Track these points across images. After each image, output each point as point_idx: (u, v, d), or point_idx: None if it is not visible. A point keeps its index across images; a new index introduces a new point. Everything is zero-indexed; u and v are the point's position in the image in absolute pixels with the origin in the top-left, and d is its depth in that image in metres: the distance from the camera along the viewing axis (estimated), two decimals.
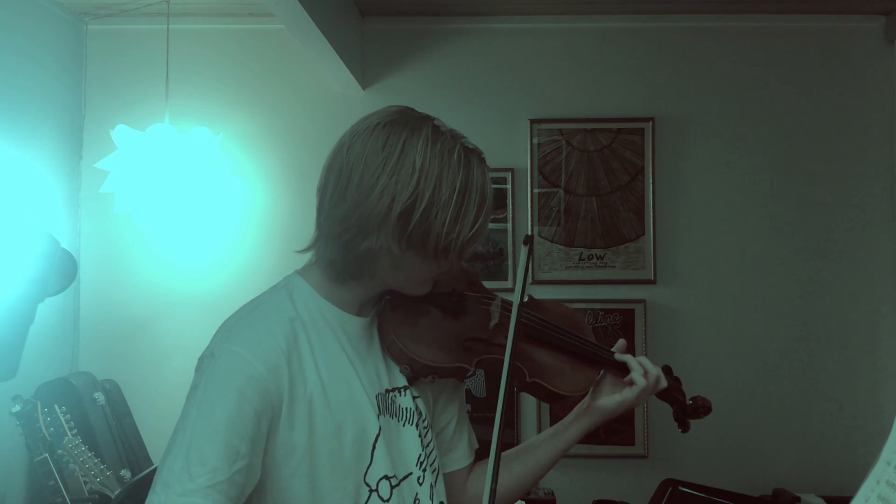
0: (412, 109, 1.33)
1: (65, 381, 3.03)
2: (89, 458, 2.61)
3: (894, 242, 3.38)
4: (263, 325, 1.27)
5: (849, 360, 3.37)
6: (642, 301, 3.38)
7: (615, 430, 3.26)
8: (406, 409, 1.38)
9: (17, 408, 2.57)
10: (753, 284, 3.40)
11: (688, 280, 3.41)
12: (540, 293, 3.12)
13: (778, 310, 3.39)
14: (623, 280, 3.39)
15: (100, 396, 3.06)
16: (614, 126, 3.41)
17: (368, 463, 1.30)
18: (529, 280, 1.17)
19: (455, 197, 1.24)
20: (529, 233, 3.40)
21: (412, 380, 1.40)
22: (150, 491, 1.19)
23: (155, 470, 1.22)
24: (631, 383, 1.47)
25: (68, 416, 2.71)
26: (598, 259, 3.41)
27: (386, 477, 1.32)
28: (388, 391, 1.36)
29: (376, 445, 1.31)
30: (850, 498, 1.16)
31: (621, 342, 1.54)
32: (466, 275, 1.47)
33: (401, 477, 1.34)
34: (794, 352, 3.38)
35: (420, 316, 1.39)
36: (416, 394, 1.41)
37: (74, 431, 2.67)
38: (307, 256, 1.40)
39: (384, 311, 1.38)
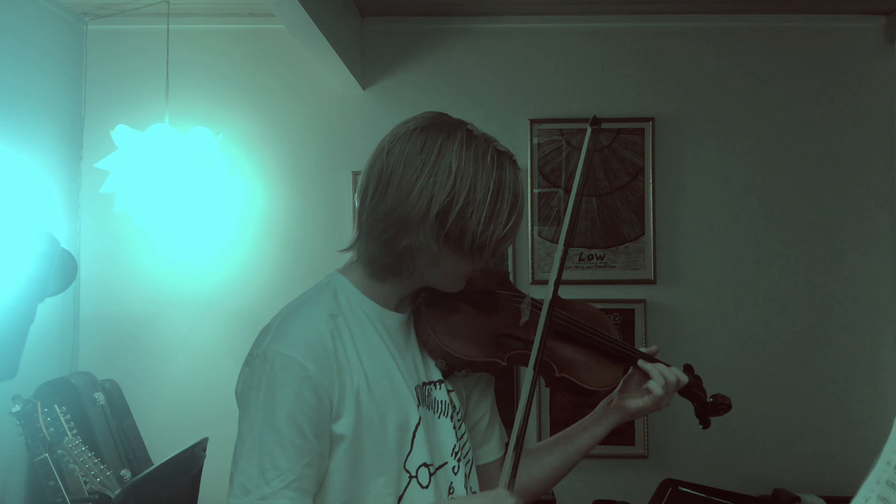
0: (446, 115, 1.41)
1: (65, 381, 3.03)
2: (89, 458, 2.61)
3: (895, 242, 3.38)
4: (309, 323, 1.34)
5: (849, 359, 3.37)
6: (642, 301, 3.38)
7: (615, 430, 3.24)
8: (441, 401, 1.45)
9: (17, 408, 2.57)
10: (753, 284, 3.40)
11: (688, 280, 3.41)
12: (540, 293, 3.12)
13: (778, 310, 3.39)
14: (623, 280, 3.39)
15: (100, 396, 3.06)
16: (614, 126, 3.41)
17: (409, 450, 1.37)
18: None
19: (489, 197, 1.32)
20: (529, 234, 3.40)
21: (447, 373, 1.48)
22: (230, 494, 1.29)
23: (154, 469, 1.25)
24: (648, 391, 1.55)
25: (68, 416, 2.71)
26: (598, 259, 3.41)
27: (425, 464, 1.39)
28: (424, 384, 1.43)
29: (416, 434, 1.38)
30: (850, 498, 1.16)
31: (654, 348, 1.63)
32: (497, 275, 1.55)
33: (437, 465, 1.41)
34: (794, 351, 3.38)
35: (454, 312, 1.46)
36: (450, 388, 1.48)
37: (74, 431, 2.67)
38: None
39: (420, 308, 1.45)
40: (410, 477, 1.37)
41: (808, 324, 3.39)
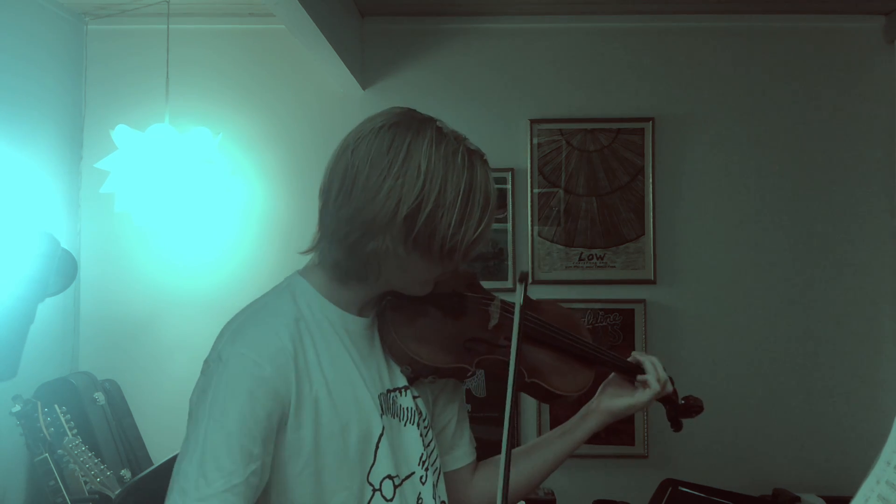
0: (415, 111, 1.34)
1: (65, 381, 3.03)
2: (89, 458, 2.61)
3: (894, 242, 3.38)
4: (269, 326, 1.28)
5: (849, 359, 3.37)
6: (642, 301, 3.38)
7: (615, 430, 3.26)
8: (407, 408, 1.39)
9: (17, 408, 2.57)
10: (753, 284, 3.40)
11: (688, 280, 3.41)
12: (540, 293, 3.12)
13: (778, 309, 3.39)
14: (623, 280, 3.39)
15: (100, 396, 3.06)
16: (614, 126, 3.41)
17: (372, 462, 1.31)
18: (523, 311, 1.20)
19: (460, 199, 1.26)
20: (529, 234, 3.40)
21: (413, 380, 1.41)
22: (167, 497, 1.21)
23: (154, 470, 1.23)
24: (645, 384, 1.50)
25: (68, 416, 2.71)
26: (598, 259, 3.40)
27: (389, 476, 1.32)
28: (389, 391, 1.37)
29: (380, 445, 1.32)
30: (850, 498, 1.16)
31: (635, 357, 1.56)
32: (465, 276, 1.48)
33: (403, 476, 1.35)
34: (794, 351, 3.38)
35: (421, 316, 1.40)
36: (416, 394, 1.42)
37: (74, 431, 2.66)
38: (304, 258, 1.41)
39: (385, 312, 1.39)
40: (374, 490, 1.31)
41: (808, 323, 3.38)
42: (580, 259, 3.40)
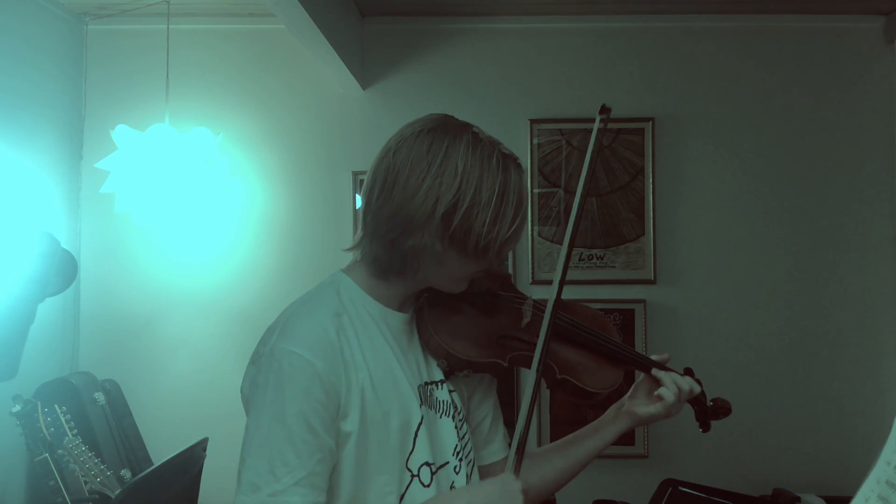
0: (453, 117, 1.43)
1: (65, 381, 3.03)
2: (89, 458, 2.61)
3: (895, 242, 3.38)
4: (315, 321, 1.34)
5: (849, 360, 3.37)
6: (642, 301, 3.38)
7: None
8: (443, 401, 1.46)
9: (17, 408, 2.57)
10: (753, 284, 3.40)
11: (688, 280, 3.41)
12: (540, 293, 3.12)
13: (778, 309, 3.39)
14: (623, 280, 3.39)
15: (100, 396, 3.06)
16: (614, 126, 3.41)
17: (411, 449, 1.38)
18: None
19: (494, 198, 1.34)
20: (529, 234, 3.40)
21: (448, 374, 1.48)
22: (237, 491, 1.29)
23: (154, 469, 1.25)
24: (660, 398, 1.56)
25: (68, 416, 2.70)
26: (598, 259, 3.41)
27: (427, 463, 1.39)
28: (426, 384, 1.44)
29: (418, 433, 1.38)
30: (850, 498, 1.16)
31: (665, 356, 1.64)
32: (500, 277, 1.57)
33: (439, 465, 1.42)
34: (795, 351, 3.38)
35: (457, 313, 1.47)
36: (451, 388, 1.49)
37: (74, 431, 2.66)
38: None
39: (423, 308, 1.47)
40: (412, 476, 1.37)
41: (809, 324, 3.39)
42: (580, 259, 3.41)
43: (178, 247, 3.39)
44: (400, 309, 1.44)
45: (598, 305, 3.37)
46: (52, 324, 3.22)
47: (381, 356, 1.38)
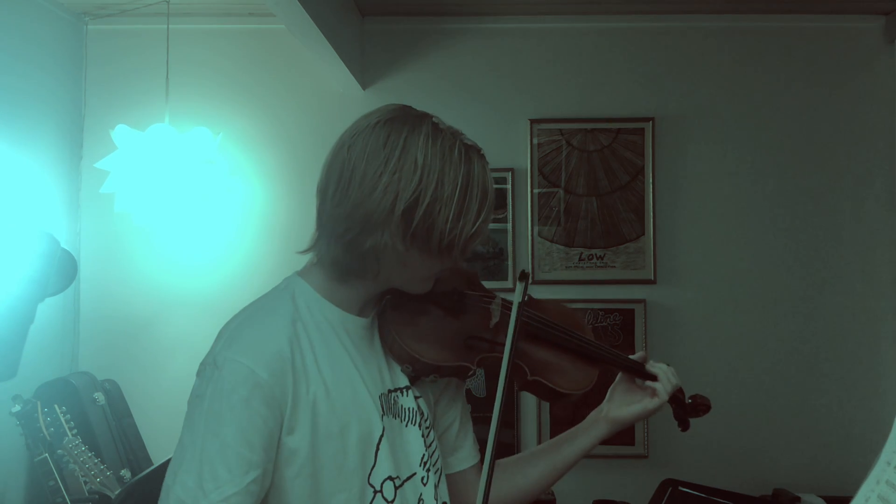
0: (410, 107, 1.33)
1: (65, 381, 3.03)
2: (89, 458, 2.61)
3: (895, 242, 3.38)
4: (265, 329, 1.27)
5: (849, 360, 3.37)
6: (642, 301, 3.38)
7: None
8: (408, 409, 1.38)
9: (17, 408, 2.57)
10: (753, 284, 3.40)
11: (688, 280, 3.41)
12: (540, 293, 3.12)
13: (778, 309, 3.39)
14: (623, 280, 3.39)
15: (100, 396, 3.06)
16: (614, 126, 3.41)
17: (373, 464, 1.30)
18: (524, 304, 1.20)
19: (458, 192, 1.25)
20: (529, 234, 3.40)
21: (414, 379, 1.40)
22: None
23: (154, 469, 1.22)
24: (654, 393, 1.50)
25: (68, 416, 2.71)
26: (598, 259, 3.40)
27: (390, 478, 1.32)
28: (390, 391, 1.36)
29: (380, 446, 1.31)
30: (850, 498, 1.16)
31: (642, 353, 1.57)
32: (466, 274, 1.47)
33: (404, 478, 1.34)
34: (794, 351, 3.38)
35: (421, 315, 1.39)
36: (417, 394, 1.41)
37: (74, 431, 2.67)
38: (303, 258, 1.40)
39: (385, 311, 1.38)
40: (375, 492, 1.30)
41: (808, 323, 3.38)
42: (580, 259, 3.40)
43: (178, 247, 3.39)
44: (360, 313, 1.35)
45: (598, 305, 3.39)
46: (52, 324, 3.22)
47: (339, 365, 1.29)
